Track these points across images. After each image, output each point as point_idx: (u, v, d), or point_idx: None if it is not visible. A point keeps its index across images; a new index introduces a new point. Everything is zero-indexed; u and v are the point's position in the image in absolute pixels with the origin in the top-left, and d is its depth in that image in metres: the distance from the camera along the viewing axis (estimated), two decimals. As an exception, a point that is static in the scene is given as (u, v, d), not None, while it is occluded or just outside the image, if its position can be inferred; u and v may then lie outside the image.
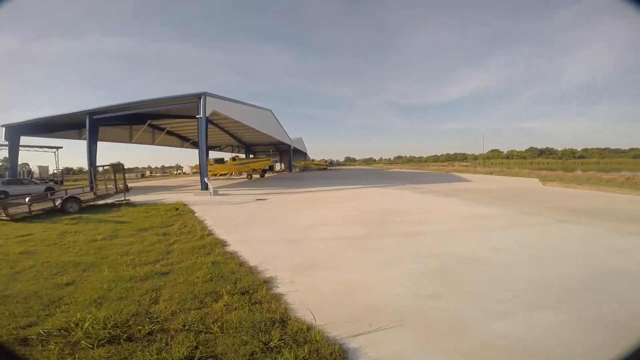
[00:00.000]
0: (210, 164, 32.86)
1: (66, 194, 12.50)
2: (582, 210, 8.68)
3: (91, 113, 19.84)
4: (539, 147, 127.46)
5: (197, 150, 45.67)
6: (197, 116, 15.89)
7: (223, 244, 6.09)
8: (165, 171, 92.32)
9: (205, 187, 15.43)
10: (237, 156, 32.25)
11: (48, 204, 11.38)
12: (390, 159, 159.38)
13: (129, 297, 3.75)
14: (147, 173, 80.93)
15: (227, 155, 53.95)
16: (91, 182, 17.36)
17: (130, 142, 32.95)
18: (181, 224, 8.27)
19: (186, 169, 75.55)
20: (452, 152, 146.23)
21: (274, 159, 33.08)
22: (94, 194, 13.48)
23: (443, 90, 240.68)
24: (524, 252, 5.10)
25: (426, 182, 19.74)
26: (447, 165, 73.92)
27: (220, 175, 33.35)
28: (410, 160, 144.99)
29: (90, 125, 19.72)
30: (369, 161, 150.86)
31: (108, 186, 14.74)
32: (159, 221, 8.84)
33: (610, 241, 5.56)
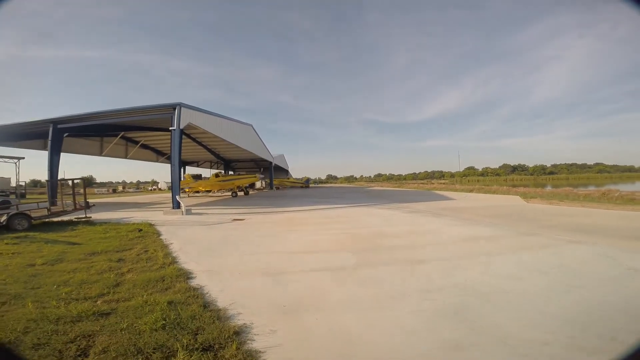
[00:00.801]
0: (188, 181, 31.13)
1: (17, 209, 10.98)
2: (579, 228, 8.29)
3: (55, 122, 18.17)
4: (512, 164, 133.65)
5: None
6: (170, 128, 14.75)
7: (187, 275, 5.01)
8: (139, 187, 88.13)
9: (177, 205, 14.09)
10: (220, 172, 30.60)
11: (-8, 220, 9.83)
12: (370, 176, 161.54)
13: (49, 344, 2.83)
14: (120, 188, 76.86)
15: (205, 172, 52.06)
16: (52, 197, 15.67)
17: (100, 154, 30.86)
18: (141, 248, 7.06)
19: (162, 185, 72.36)
20: (429, 170, 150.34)
21: (260, 175, 31.49)
22: (48, 210, 11.88)
23: (421, 109, 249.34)
24: (540, 278, 4.46)
25: (411, 201, 19.30)
26: (426, 183, 75.30)
27: (204, 192, 31.62)
28: (390, 178, 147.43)
29: (54, 135, 18.01)
30: (350, 179, 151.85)
31: (65, 202, 13.22)
32: (116, 244, 7.59)
33: (623, 260, 5.18)
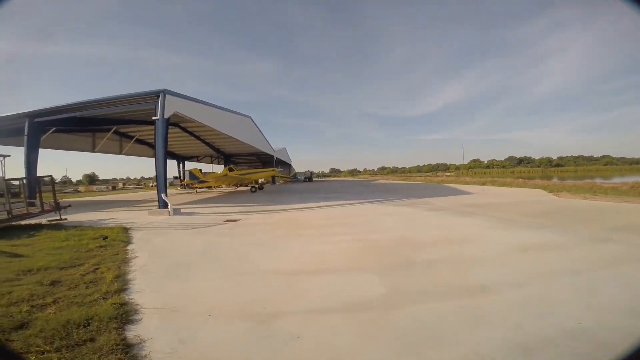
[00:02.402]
0: (199, 176, 29.19)
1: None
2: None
3: (31, 115, 16.49)
4: (517, 156, 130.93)
5: (175, 161, 43.34)
6: (153, 118, 12.96)
7: (129, 316, 3.26)
8: (140, 183, 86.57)
9: (163, 204, 12.36)
10: (233, 166, 28.59)
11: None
12: (374, 170, 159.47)
13: None
14: (120, 185, 75.40)
15: (205, 167, 50.58)
16: (30, 197, 14.07)
17: (92, 151, 29.29)
18: (93, 264, 5.33)
19: (163, 181, 70.76)
20: (434, 163, 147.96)
21: (278, 168, 29.10)
22: (9, 213, 10.22)
23: (424, 102, 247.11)
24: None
25: (426, 196, 17.43)
26: (432, 176, 73.10)
27: (216, 187, 29.56)
28: (394, 171, 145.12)
29: (30, 129, 16.33)
30: (353, 172, 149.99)
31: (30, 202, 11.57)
32: (66, 257, 5.87)
33: None
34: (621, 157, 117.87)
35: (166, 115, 13.07)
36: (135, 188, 61.47)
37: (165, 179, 12.92)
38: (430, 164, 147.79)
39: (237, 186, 26.29)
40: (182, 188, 35.83)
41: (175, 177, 45.05)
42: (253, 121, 29.03)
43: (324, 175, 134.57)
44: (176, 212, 12.11)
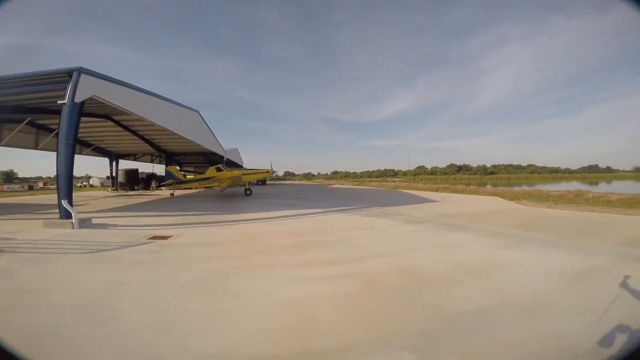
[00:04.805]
0: (179, 175, 24.62)
1: None
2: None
3: None
4: (457, 164, 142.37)
5: (108, 159, 37.28)
6: (58, 102, 9.68)
7: None
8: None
9: (65, 214, 9.19)
10: (221, 166, 24.57)
11: None
12: (327, 174, 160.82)
13: None
14: (40, 184, 63.92)
15: (145, 166, 44.90)
16: None
17: (-4, 144, 23.46)
18: None
19: (94, 181, 61.56)
20: (382, 168, 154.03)
21: (273, 170, 25.32)
22: None
23: (378, 110, 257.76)
24: None
25: (392, 204, 16.35)
26: (383, 181, 75.01)
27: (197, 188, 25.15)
28: (347, 176, 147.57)
29: None
30: (308, 176, 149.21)
31: None
32: None
33: None
34: (543, 166, 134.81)
35: (79, 99, 9.90)
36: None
37: (71, 180, 9.68)
38: (379, 170, 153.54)
39: (223, 189, 22.73)
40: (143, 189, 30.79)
41: (108, 177, 39.16)
42: (201, 116, 25.71)
43: (278, 178, 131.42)
44: (84, 223, 9.03)
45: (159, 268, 5.24)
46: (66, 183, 9.22)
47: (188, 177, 26.14)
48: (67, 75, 10.44)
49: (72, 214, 8.77)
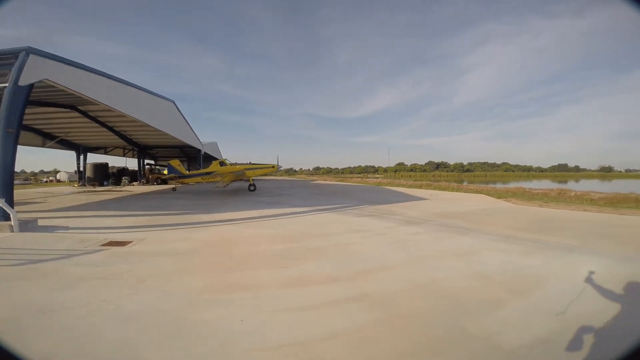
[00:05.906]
0: (182, 169, 22.67)
1: None
2: None
3: None
4: (436, 161, 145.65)
5: (75, 152, 34.40)
6: (1, 85, 8.15)
7: None
8: (28, 178, 68.89)
9: (2, 215, 7.73)
10: (225, 160, 22.97)
11: None
12: (309, 169, 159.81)
13: None
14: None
15: (117, 160, 42.20)
16: None
17: None
18: None
19: (62, 176, 57.13)
20: (363, 165, 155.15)
21: (279, 165, 23.61)
22: None
23: (360, 106, 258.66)
24: None
25: (380, 202, 15.68)
26: (365, 177, 75.09)
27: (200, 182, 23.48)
28: (329, 172, 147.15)
29: None
30: (290, 172, 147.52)
31: None
32: None
33: None
34: (516, 165, 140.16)
35: (24, 82, 8.39)
36: (21, 184, 47.71)
37: (11, 175, 8.19)
38: (360, 166, 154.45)
39: (226, 184, 21.09)
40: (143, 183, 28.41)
41: (76, 172, 36.33)
42: (177, 107, 23.98)
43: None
44: (26, 226, 7.62)
45: (102, 288, 4.10)
46: (4, 178, 7.73)
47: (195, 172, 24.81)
48: (14, 57, 8.90)
49: (11, 216, 7.33)
